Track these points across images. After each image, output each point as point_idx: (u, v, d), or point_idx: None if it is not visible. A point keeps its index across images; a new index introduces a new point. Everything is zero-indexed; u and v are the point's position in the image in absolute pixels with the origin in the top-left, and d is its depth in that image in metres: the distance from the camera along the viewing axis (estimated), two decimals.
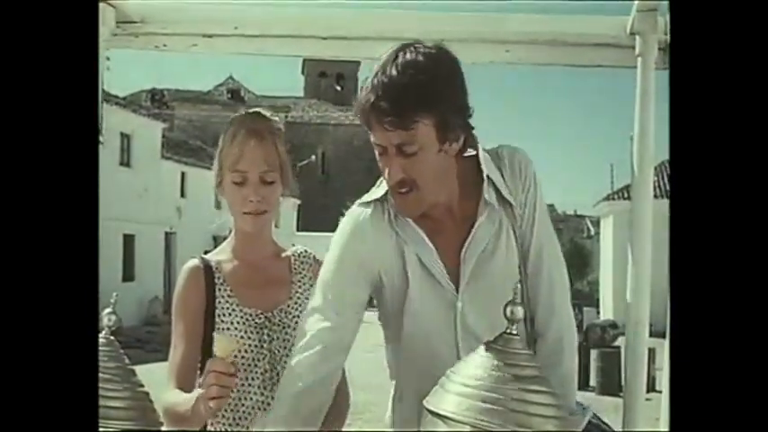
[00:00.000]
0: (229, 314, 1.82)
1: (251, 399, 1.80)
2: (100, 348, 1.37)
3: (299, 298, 1.89)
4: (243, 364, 1.79)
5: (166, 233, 25.02)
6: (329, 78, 60.82)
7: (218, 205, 1.99)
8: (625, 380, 1.69)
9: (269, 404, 1.75)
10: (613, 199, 24.35)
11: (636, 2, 1.66)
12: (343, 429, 1.84)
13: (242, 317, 1.82)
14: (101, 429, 1.27)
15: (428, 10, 1.86)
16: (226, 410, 1.78)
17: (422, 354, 1.61)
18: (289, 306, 1.87)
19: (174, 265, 23.30)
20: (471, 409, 1.13)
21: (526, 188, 1.64)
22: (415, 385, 1.49)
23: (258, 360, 1.81)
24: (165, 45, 1.84)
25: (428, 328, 1.61)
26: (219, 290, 1.84)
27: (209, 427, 1.78)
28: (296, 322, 1.85)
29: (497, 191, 1.62)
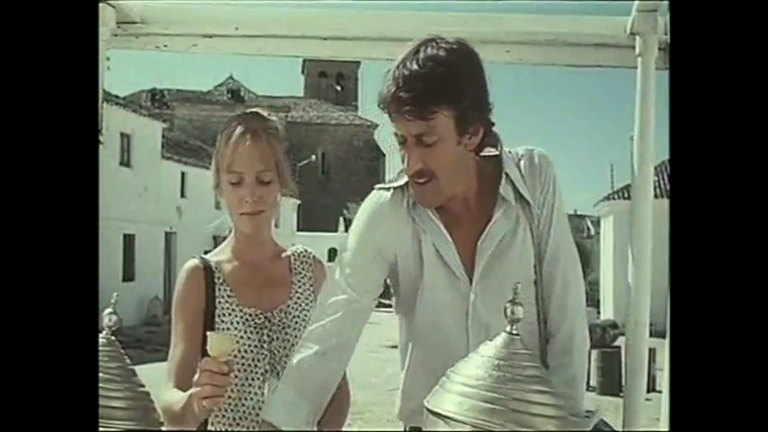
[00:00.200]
0: (229, 314, 1.82)
1: (251, 399, 1.80)
2: (100, 348, 1.37)
3: (298, 298, 1.89)
4: (243, 364, 1.79)
5: (166, 233, 25.02)
6: (329, 78, 60.86)
7: (217, 205, 1.99)
8: (625, 380, 1.69)
9: None
10: (613, 199, 24.34)
11: (636, 2, 1.66)
12: (344, 429, 1.84)
13: (242, 317, 1.82)
14: (101, 429, 1.27)
15: (428, 10, 1.86)
16: (226, 410, 1.78)
17: (432, 342, 1.64)
18: (288, 306, 1.87)
19: (174, 265, 23.30)
20: (472, 409, 1.13)
21: (545, 189, 1.66)
22: (424, 377, 1.51)
23: (258, 360, 1.81)
24: (165, 45, 1.85)
25: (440, 316, 1.64)
26: (219, 290, 1.84)
27: (209, 427, 1.78)
28: (296, 322, 1.85)
29: (515, 189, 1.64)
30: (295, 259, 1.95)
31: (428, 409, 1.20)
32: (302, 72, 61.97)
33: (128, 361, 1.42)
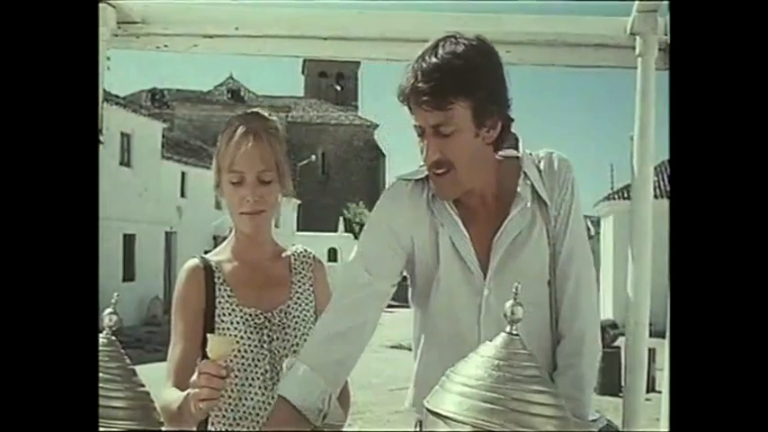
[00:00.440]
0: (229, 314, 1.82)
1: (251, 399, 1.80)
2: (100, 348, 1.37)
3: (298, 298, 1.89)
4: (243, 364, 1.79)
5: (166, 233, 25.02)
6: (329, 78, 60.87)
7: (218, 205, 1.99)
8: (625, 380, 1.69)
9: (269, 404, 1.75)
10: (613, 199, 24.31)
11: (636, 2, 1.66)
12: (343, 429, 1.84)
13: (242, 317, 1.82)
14: (101, 429, 1.27)
15: (428, 10, 1.86)
16: (226, 410, 1.78)
17: (445, 335, 1.66)
18: (289, 306, 1.87)
19: (174, 265, 23.29)
20: (472, 409, 1.13)
21: (563, 191, 1.67)
22: (436, 368, 1.51)
23: (258, 360, 1.81)
24: (165, 45, 1.85)
25: (453, 309, 1.66)
26: (219, 290, 1.84)
27: (209, 427, 1.78)
28: (296, 322, 1.85)
29: (533, 189, 1.66)
30: (295, 259, 1.95)
31: (428, 409, 1.20)
32: (302, 72, 61.99)
33: (128, 361, 1.42)
